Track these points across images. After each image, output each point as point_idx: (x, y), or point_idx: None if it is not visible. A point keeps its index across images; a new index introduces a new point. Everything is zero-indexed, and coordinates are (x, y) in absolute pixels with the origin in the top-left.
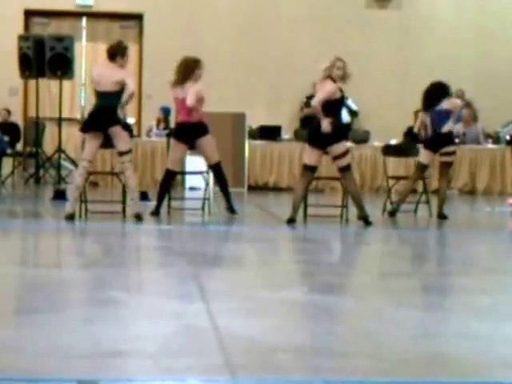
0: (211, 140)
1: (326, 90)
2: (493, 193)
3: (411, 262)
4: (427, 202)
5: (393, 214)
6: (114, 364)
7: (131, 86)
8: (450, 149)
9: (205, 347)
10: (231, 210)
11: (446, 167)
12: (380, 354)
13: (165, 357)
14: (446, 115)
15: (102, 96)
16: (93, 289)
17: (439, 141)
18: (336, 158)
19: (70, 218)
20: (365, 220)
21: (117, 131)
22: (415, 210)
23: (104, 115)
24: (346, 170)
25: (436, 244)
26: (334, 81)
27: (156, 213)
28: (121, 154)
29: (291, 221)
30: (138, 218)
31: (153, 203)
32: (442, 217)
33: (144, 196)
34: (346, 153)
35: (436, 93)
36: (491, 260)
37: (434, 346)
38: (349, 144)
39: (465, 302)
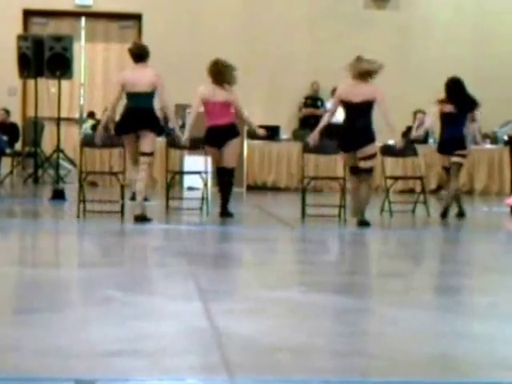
0: (238, 144)
1: (383, 95)
2: (491, 193)
3: (410, 261)
4: (425, 202)
5: (444, 215)
6: (112, 363)
7: (162, 95)
8: (463, 151)
9: (203, 347)
10: (227, 214)
11: (456, 167)
12: (379, 353)
13: (163, 356)
14: (462, 120)
15: (133, 97)
16: (91, 288)
17: (453, 145)
18: (363, 158)
19: (141, 219)
20: (364, 224)
21: (146, 133)
22: (413, 210)
23: (136, 117)
24: (368, 172)
25: (434, 244)
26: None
27: (227, 213)
28: (143, 154)
29: (364, 223)
30: (139, 219)
31: (151, 203)
32: (444, 216)
33: None
34: (374, 155)
35: (470, 105)
36: (491, 260)
37: (434, 346)
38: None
39: (465, 302)
